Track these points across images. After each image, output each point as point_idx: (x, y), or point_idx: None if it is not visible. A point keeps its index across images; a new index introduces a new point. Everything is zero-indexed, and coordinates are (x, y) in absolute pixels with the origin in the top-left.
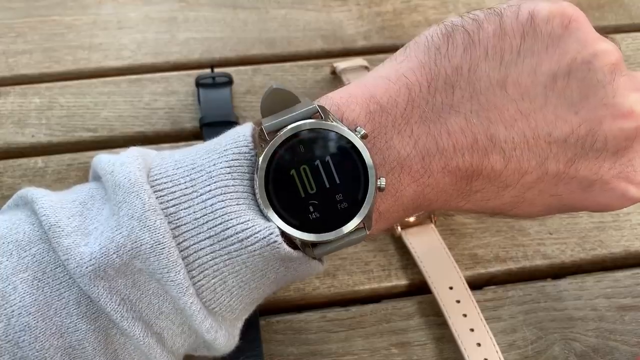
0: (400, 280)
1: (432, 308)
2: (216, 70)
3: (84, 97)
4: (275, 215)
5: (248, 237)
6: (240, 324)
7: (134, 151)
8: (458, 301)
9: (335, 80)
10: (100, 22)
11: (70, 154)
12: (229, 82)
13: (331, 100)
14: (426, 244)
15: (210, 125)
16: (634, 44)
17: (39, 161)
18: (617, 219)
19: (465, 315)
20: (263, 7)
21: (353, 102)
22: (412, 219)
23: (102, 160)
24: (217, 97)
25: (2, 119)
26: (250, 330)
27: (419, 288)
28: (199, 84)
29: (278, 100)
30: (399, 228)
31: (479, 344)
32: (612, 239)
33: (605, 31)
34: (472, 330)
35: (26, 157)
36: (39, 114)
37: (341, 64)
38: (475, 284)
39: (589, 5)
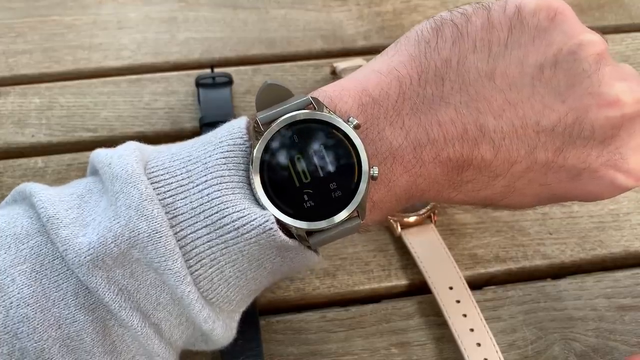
0: (400, 280)
1: (432, 308)
2: (216, 70)
3: (84, 97)
4: (271, 204)
5: (244, 225)
6: (237, 317)
7: (132, 145)
8: (458, 301)
9: (335, 80)
10: (100, 22)
11: (70, 154)
12: (229, 82)
13: (324, 93)
14: (426, 244)
15: (210, 125)
16: (634, 44)
17: (39, 161)
18: (617, 219)
19: (465, 315)
20: (263, 7)
21: (346, 95)
22: (412, 219)
23: (100, 154)
24: (217, 97)
25: (2, 119)
26: (250, 330)
27: (419, 288)
28: (199, 84)
29: (273, 95)
30: (399, 228)
31: (479, 344)
32: (612, 239)
33: (605, 31)
34: (472, 330)
35: (26, 157)
36: (39, 114)
37: (341, 64)
38: (475, 284)
39: (589, 5)
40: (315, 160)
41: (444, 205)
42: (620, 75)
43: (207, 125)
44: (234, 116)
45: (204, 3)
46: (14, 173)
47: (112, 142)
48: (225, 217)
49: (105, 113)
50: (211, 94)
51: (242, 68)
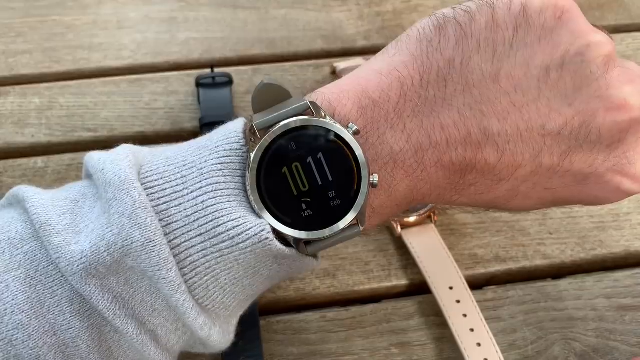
0: (400, 280)
1: (432, 308)
2: (216, 70)
3: (84, 97)
4: (267, 213)
5: (239, 235)
6: (235, 321)
7: (126, 148)
8: (458, 301)
9: (335, 80)
10: (100, 22)
11: (70, 154)
12: (229, 82)
13: (323, 95)
14: (426, 244)
15: (211, 125)
16: (634, 44)
17: (39, 161)
18: (617, 219)
19: (465, 315)
20: (263, 7)
21: (345, 98)
22: (412, 219)
23: (93, 158)
24: (217, 97)
25: (2, 119)
26: (250, 330)
27: (419, 288)
28: (199, 84)
29: (270, 95)
30: (399, 228)
31: (479, 344)
32: (612, 239)
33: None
34: (472, 330)
35: (26, 157)
36: (39, 114)
37: (341, 64)
38: (475, 284)
39: (589, 5)
40: (314, 168)
41: (444, 205)
42: (629, 78)
43: (207, 125)
44: (234, 116)
45: (204, 3)
46: (14, 173)
47: (112, 142)
48: (219, 226)
49: (105, 113)
50: (211, 94)
51: (242, 68)
